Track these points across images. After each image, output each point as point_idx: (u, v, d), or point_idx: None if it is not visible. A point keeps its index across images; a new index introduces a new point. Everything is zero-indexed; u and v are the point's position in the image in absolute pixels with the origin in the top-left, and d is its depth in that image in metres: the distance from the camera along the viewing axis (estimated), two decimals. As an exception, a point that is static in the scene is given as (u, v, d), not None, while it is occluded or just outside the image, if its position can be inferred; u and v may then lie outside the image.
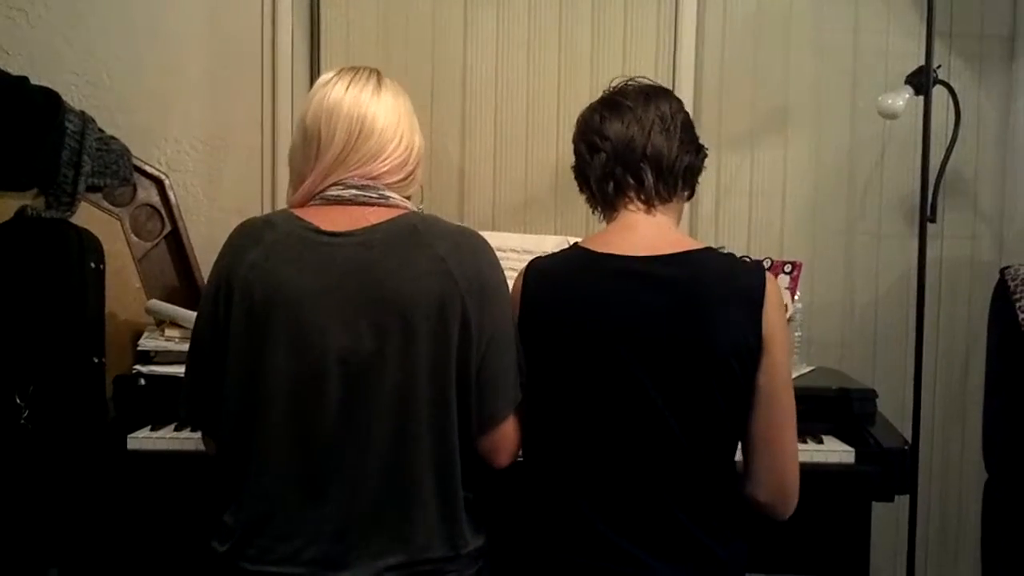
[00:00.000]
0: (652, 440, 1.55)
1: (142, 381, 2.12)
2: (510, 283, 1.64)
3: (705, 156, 1.75)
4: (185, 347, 1.65)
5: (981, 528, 2.32)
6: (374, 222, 1.55)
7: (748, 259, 2.01)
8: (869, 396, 2.13)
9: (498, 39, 2.65)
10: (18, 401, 2.09)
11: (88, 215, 2.37)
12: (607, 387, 1.56)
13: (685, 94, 2.57)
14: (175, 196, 2.53)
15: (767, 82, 2.68)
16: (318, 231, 1.54)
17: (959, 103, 2.52)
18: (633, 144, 1.65)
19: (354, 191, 1.57)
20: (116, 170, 2.40)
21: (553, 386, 1.60)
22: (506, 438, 1.60)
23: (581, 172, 1.73)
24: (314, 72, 2.60)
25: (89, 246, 2.22)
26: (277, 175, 2.60)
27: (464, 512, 1.55)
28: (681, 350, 1.54)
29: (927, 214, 2.40)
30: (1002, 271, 2.24)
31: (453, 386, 1.52)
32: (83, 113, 2.38)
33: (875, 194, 2.71)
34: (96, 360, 2.19)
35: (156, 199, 2.53)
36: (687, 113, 1.73)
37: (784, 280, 2.31)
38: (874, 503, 2.06)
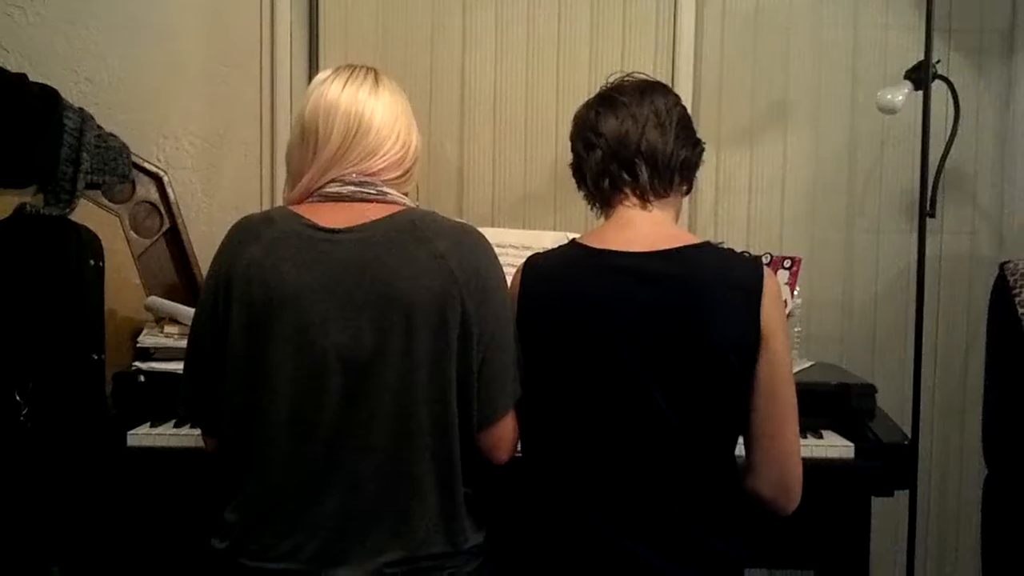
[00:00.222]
0: (650, 435, 1.55)
1: (141, 378, 2.13)
2: (509, 279, 1.64)
3: (702, 151, 1.74)
4: (184, 344, 1.65)
5: (981, 522, 2.33)
6: (373, 218, 1.55)
7: (748, 254, 2.01)
8: (868, 391, 2.13)
9: (497, 36, 2.65)
10: (18, 398, 2.09)
11: (87, 212, 2.37)
12: (605, 383, 1.56)
13: (684, 90, 2.57)
14: (174, 193, 2.53)
15: (766, 78, 2.68)
16: (317, 228, 1.54)
17: (958, 98, 2.51)
18: (628, 140, 1.65)
19: (352, 187, 1.57)
20: (115, 167, 2.40)
21: (551, 382, 1.60)
22: (506, 434, 1.60)
23: (578, 169, 1.73)
24: (313, 69, 2.60)
25: (88, 243, 2.23)
26: (276, 172, 2.60)
27: (464, 508, 1.55)
28: (679, 345, 1.54)
29: (926, 209, 2.39)
30: (1001, 266, 2.24)
31: (453, 382, 1.52)
32: (82, 110, 2.39)
33: (874, 189, 2.71)
34: (95, 357, 2.19)
35: (155, 196, 2.53)
36: (684, 107, 1.72)
37: (783, 276, 2.31)
38: (874, 498, 2.06)
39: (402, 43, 2.64)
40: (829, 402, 2.11)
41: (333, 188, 1.58)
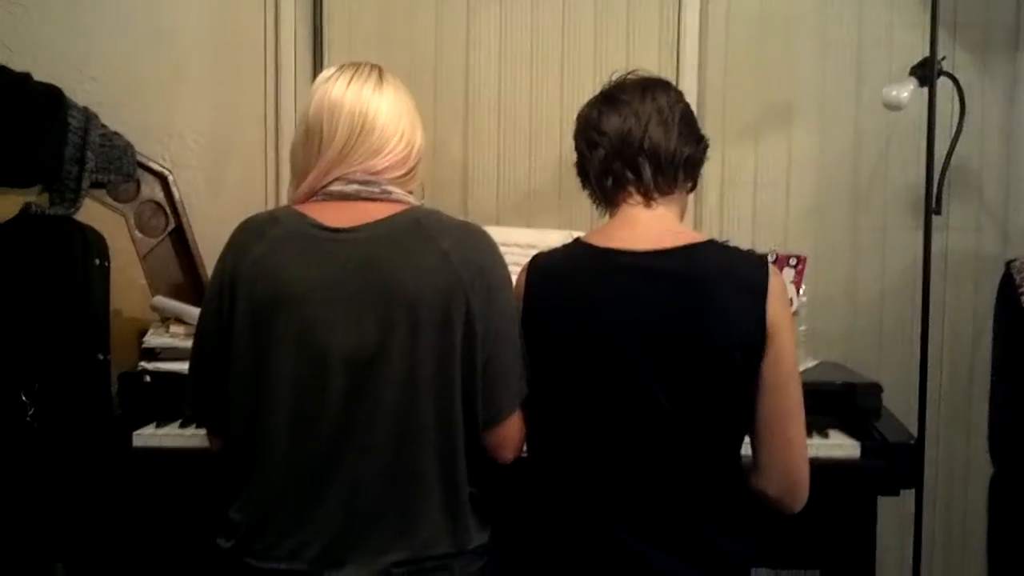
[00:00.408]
0: (655, 434, 1.55)
1: (147, 378, 2.13)
2: (513, 278, 1.64)
3: (706, 147, 1.74)
4: (190, 343, 1.65)
5: (988, 522, 2.32)
6: (377, 217, 1.55)
7: (753, 252, 2.00)
8: (874, 390, 2.12)
9: (501, 35, 2.64)
10: (24, 399, 2.09)
11: (92, 212, 2.37)
12: (610, 381, 1.56)
13: (689, 88, 2.56)
14: (179, 192, 2.53)
15: (771, 75, 2.67)
16: (322, 227, 1.54)
17: (964, 94, 2.50)
18: (630, 138, 1.65)
19: (357, 187, 1.57)
20: (120, 166, 2.41)
21: (556, 381, 1.60)
22: (512, 433, 1.60)
23: (582, 168, 1.73)
24: (317, 68, 2.59)
25: (93, 243, 2.23)
26: (281, 171, 2.60)
27: (469, 508, 1.55)
28: (684, 343, 1.54)
29: (932, 206, 2.39)
30: (1007, 264, 2.23)
31: (458, 382, 1.52)
32: (86, 109, 2.39)
33: (880, 186, 2.70)
34: (101, 357, 2.20)
35: (160, 195, 2.53)
36: (687, 104, 1.72)
37: (789, 274, 2.30)
38: (880, 497, 2.06)
39: (406, 42, 2.63)
40: (835, 401, 2.10)
41: (337, 187, 1.58)
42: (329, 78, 1.62)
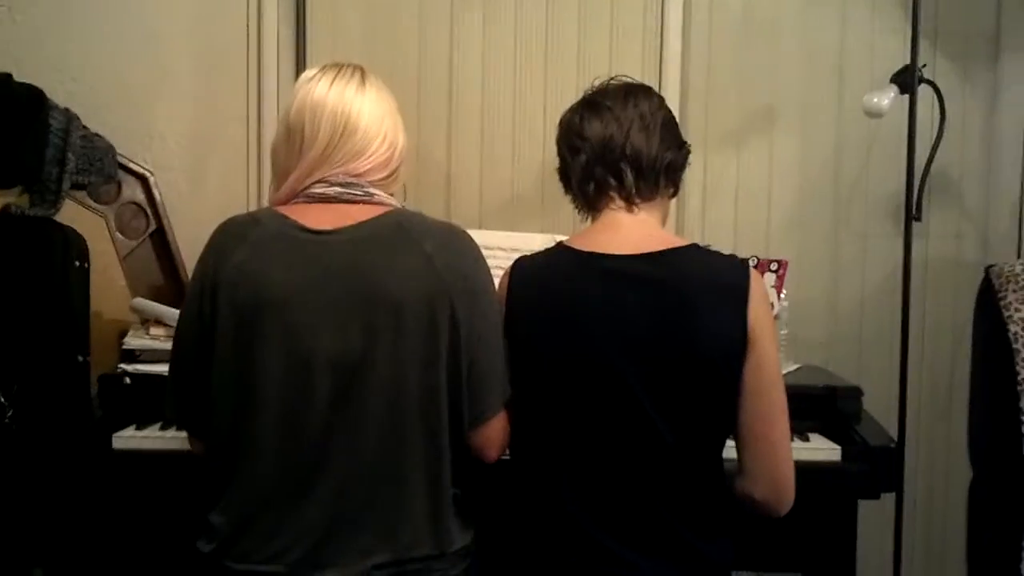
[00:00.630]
0: (638, 438, 1.55)
1: (127, 380, 2.11)
2: (496, 281, 1.64)
3: (688, 153, 1.75)
4: (170, 345, 1.64)
5: (967, 526, 2.33)
6: (360, 220, 1.55)
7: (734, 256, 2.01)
8: (855, 394, 2.13)
9: (484, 37, 2.64)
10: (2, 400, 2.08)
11: (73, 213, 2.35)
12: (592, 387, 1.56)
13: (671, 93, 2.57)
14: (160, 194, 2.52)
15: (753, 81, 2.68)
16: (304, 229, 1.53)
17: (944, 102, 2.52)
18: (612, 144, 1.65)
19: (338, 188, 1.57)
20: (101, 167, 2.39)
21: (537, 384, 1.60)
22: (496, 434, 1.61)
23: (564, 174, 1.74)
24: (300, 70, 2.57)
25: (74, 244, 2.21)
26: (263, 173, 2.58)
27: (452, 510, 1.55)
28: (666, 348, 1.54)
29: (912, 213, 2.40)
30: (987, 270, 2.24)
31: (443, 384, 1.52)
32: (67, 110, 2.37)
33: (861, 193, 2.72)
34: (81, 359, 2.18)
35: (141, 197, 2.52)
36: (668, 110, 1.73)
37: (770, 279, 2.31)
38: (860, 501, 2.07)
39: (389, 43, 2.63)
40: (815, 405, 2.11)
41: (319, 189, 1.57)
42: (312, 78, 1.62)
